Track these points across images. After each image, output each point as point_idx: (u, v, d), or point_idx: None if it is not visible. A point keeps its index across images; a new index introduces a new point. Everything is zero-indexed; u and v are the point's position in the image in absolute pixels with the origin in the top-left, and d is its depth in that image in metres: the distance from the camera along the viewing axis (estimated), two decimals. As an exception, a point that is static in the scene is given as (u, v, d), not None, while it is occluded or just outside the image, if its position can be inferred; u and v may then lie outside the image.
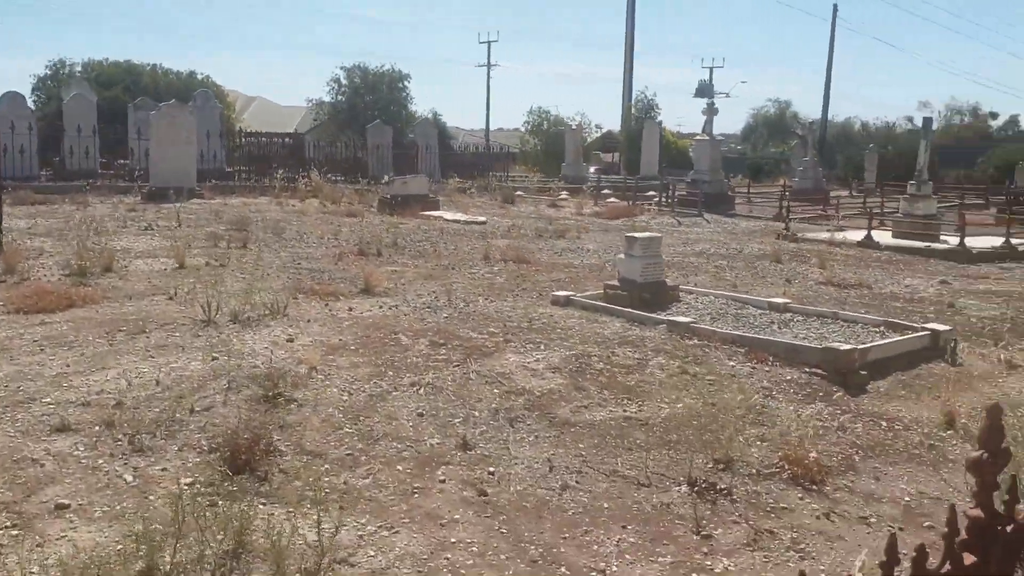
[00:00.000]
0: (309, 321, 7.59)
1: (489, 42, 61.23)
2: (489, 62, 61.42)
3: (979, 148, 41.68)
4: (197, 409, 5.33)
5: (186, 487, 4.37)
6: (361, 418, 5.43)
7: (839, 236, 16.34)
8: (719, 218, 20.98)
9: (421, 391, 5.93)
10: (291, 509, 4.22)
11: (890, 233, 16.90)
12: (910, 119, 49.11)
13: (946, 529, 2.01)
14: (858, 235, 16.44)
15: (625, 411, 5.84)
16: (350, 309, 8.24)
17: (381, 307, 8.43)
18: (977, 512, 2.04)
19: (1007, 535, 2.10)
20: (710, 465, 5.07)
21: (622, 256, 8.94)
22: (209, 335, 6.94)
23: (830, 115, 50.77)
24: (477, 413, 5.64)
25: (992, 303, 10.28)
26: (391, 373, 6.25)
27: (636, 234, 9.02)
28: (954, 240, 15.73)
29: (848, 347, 6.82)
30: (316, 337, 7.04)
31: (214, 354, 6.35)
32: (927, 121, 18.72)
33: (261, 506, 4.24)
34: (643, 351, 7.06)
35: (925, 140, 17.56)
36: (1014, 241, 15.97)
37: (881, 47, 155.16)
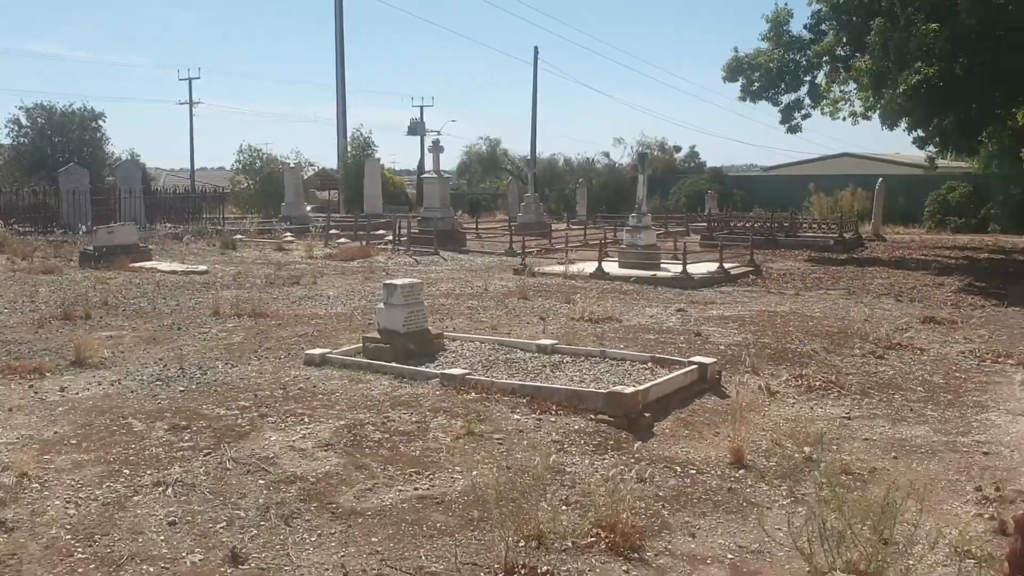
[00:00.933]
0: (11, 410, 6.22)
1: (190, 79, 58.24)
2: (191, 99, 58.36)
3: (670, 179, 45.18)
4: None
5: None
6: (97, 537, 4.33)
7: (573, 269, 16.65)
8: (454, 255, 20.80)
9: (169, 491, 4.90)
10: None
11: (617, 263, 17.53)
12: (607, 154, 52.39)
13: None
14: (589, 267, 16.85)
15: (416, 489, 5.15)
16: (62, 389, 6.90)
17: (100, 383, 7.16)
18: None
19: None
20: (522, 543, 4.52)
21: (381, 306, 8.23)
22: None
23: (538, 151, 53.25)
24: (243, 513, 4.71)
25: (730, 328, 10.69)
26: (127, 471, 5.15)
27: (395, 281, 8.36)
28: (675, 268, 16.58)
29: (631, 390, 6.58)
30: (23, 431, 5.72)
31: None
32: (642, 157, 19.70)
33: None
34: (421, 412, 6.41)
35: (643, 175, 18.39)
36: (726, 266, 17.13)
37: (579, 88, 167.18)
